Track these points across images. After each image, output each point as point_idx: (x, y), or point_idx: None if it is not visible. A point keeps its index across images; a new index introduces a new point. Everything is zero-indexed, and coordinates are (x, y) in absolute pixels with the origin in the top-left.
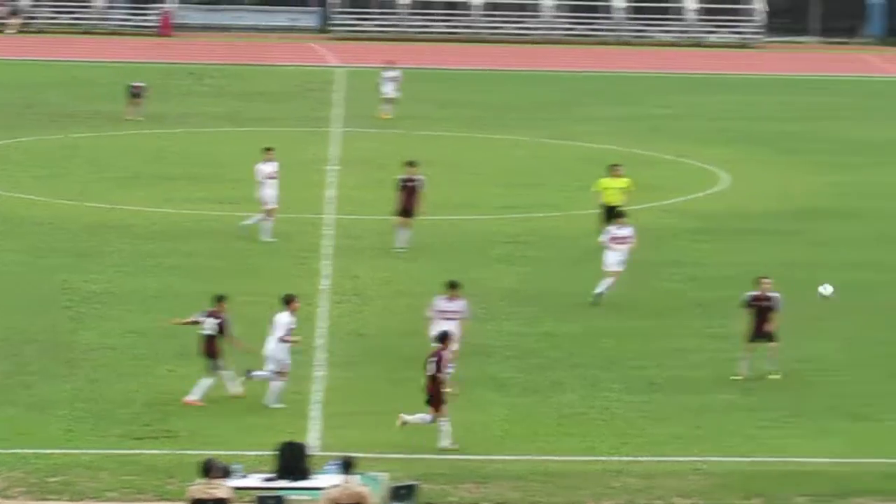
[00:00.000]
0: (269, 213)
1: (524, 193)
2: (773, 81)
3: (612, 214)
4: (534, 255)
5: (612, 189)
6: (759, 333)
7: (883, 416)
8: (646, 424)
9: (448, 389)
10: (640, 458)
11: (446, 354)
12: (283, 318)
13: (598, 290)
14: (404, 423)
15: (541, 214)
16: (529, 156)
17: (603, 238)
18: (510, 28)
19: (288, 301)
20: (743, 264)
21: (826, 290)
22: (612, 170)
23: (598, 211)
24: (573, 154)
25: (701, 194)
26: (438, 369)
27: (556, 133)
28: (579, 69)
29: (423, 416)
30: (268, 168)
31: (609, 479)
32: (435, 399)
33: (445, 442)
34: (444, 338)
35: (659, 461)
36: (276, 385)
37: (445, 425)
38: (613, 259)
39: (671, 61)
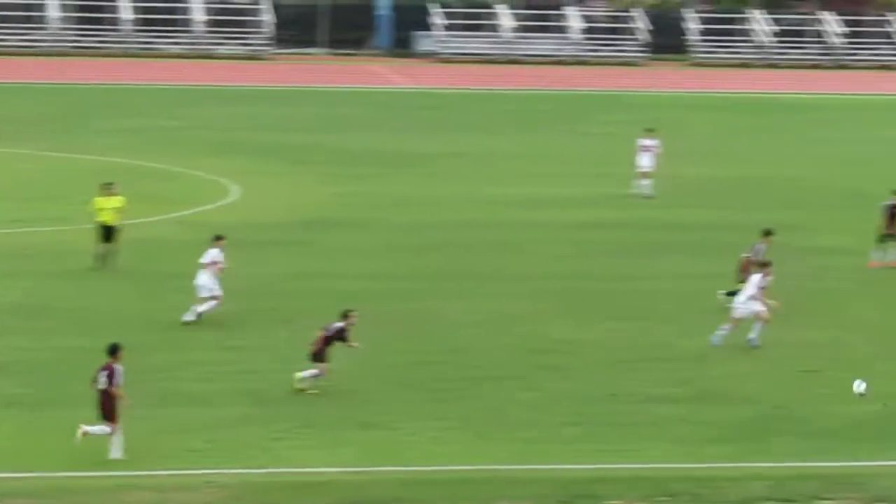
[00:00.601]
0: None
1: (30, 207)
2: (282, 93)
3: (108, 234)
4: (40, 269)
5: (107, 209)
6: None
7: (395, 424)
8: (158, 438)
9: (121, 402)
10: (152, 473)
11: (118, 367)
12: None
13: (186, 317)
14: (84, 433)
15: (47, 228)
16: (36, 169)
17: (202, 259)
18: (15, 39)
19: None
20: (255, 276)
21: (860, 387)
22: (106, 189)
23: (95, 227)
24: (80, 167)
25: (211, 206)
26: (110, 382)
27: (63, 146)
28: (87, 81)
29: (102, 428)
30: None
31: (122, 494)
32: (108, 412)
33: (117, 454)
34: (114, 350)
35: (171, 475)
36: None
37: (117, 438)
38: (203, 282)
39: (180, 73)
